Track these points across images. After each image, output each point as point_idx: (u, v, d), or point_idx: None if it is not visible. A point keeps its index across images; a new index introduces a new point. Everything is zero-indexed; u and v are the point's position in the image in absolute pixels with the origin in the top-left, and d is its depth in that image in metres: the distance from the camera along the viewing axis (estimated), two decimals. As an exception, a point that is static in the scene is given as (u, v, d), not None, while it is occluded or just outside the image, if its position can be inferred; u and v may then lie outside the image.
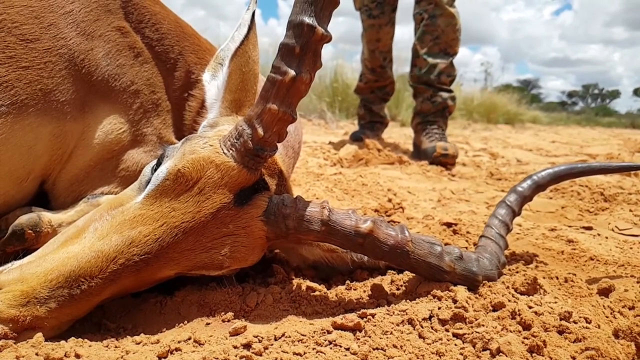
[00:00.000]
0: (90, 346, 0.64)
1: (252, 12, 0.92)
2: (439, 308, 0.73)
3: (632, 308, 0.97)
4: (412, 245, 0.77)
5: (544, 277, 1.05)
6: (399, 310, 0.73)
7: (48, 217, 0.97)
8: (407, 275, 0.88)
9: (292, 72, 0.70)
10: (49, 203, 1.05)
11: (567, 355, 0.63)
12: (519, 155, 4.31)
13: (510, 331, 0.68)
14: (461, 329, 0.70)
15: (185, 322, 0.75)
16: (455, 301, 0.75)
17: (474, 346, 0.65)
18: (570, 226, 1.53)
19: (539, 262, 1.12)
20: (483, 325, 0.69)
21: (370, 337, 0.67)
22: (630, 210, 1.72)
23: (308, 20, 0.69)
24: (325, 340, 0.65)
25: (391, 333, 0.68)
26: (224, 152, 0.74)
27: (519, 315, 0.73)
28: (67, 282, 0.65)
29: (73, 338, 0.64)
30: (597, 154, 4.69)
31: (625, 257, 1.22)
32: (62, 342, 0.63)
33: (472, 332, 0.68)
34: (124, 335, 0.71)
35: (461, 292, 0.77)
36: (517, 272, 1.03)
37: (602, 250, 1.26)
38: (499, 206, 1.03)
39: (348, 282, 0.89)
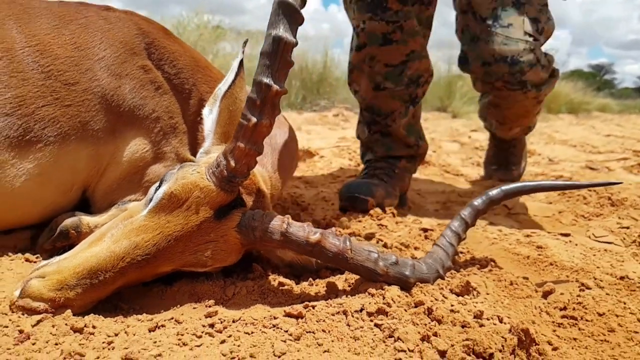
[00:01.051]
0: (103, 320, 0.88)
1: (239, 60, 1.14)
2: (369, 303, 0.93)
3: (563, 309, 1.12)
4: (352, 253, 0.96)
5: (493, 280, 1.22)
6: (337, 303, 0.93)
7: (87, 219, 1.23)
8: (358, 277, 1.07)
9: (254, 119, 0.91)
10: (89, 208, 1.32)
11: (448, 343, 0.81)
12: (557, 153, 4.30)
13: (416, 324, 0.87)
14: (382, 320, 0.89)
15: (179, 306, 0.98)
16: (384, 298, 0.94)
17: (383, 333, 0.85)
18: (550, 232, 1.65)
19: (495, 267, 1.28)
20: (397, 318, 0.88)
21: (306, 322, 0.87)
22: (620, 218, 1.81)
23: (265, 80, 0.90)
24: (270, 324, 0.86)
25: (324, 320, 0.88)
26: (207, 178, 0.96)
27: (434, 311, 0.91)
28: (89, 274, 0.90)
29: (92, 314, 0.89)
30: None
31: (582, 264, 1.35)
32: (84, 317, 0.88)
33: (387, 323, 0.87)
34: (132, 314, 0.95)
35: (392, 291, 0.96)
36: (468, 274, 1.20)
37: (565, 256, 1.40)
38: (454, 218, 1.19)
39: (311, 279, 1.10)
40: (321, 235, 0.96)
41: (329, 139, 4.56)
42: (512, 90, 1.79)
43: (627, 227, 1.70)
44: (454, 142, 4.29)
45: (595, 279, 1.25)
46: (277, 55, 0.90)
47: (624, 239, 1.61)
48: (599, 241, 1.57)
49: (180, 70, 1.40)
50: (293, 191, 2.08)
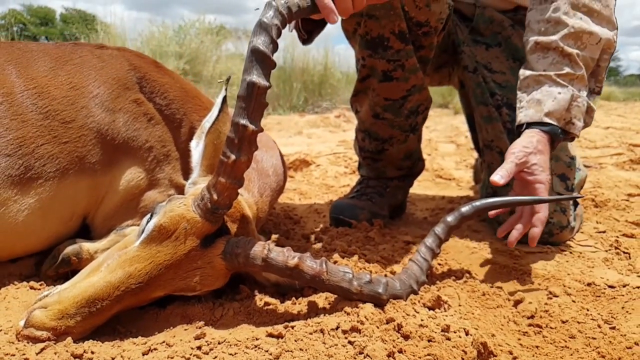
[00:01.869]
0: (101, 346, 0.98)
1: (222, 96, 1.22)
2: (345, 321, 1.01)
3: (530, 317, 1.20)
4: (327, 275, 1.04)
5: (467, 291, 1.30)
6: (315, 322, 1.02)
7: (87, 246, 1.33)
8: (337, 294, 1.16)
9: (233, 157, 1.00)
10: (90, 233, 1.42)
11: (411, 359, 0.90)
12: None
13: (385, 340, 0.95)
14: (355, 337, 0.97)
15: (171, 327, 1.07)
16: (358, 315, 1.03)
17: (354, 350, 0.93)
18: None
19: (470, 277, 1.36)
20: (367, 335, 0.96)
21: (286, 342, 0.96)
22: (598, 222, 1.88)
23: (242, 121, 0.99)
24: (252, 345, 0.95)
25: (302, 340, 0.96)
26: (193, 210, 1.05)
27: (403, 327, 1.00)
28: (87, 303, 0.99)
29: (91, 340, 0.98)
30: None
31: (554, 271, 1.43)
32: (83, 343, 0.97)
33: (359, 340, 0.95)
34: (128, 337, 1.04)
35: (366, 308, 1.04)
36: (443, 286, 1.28)
37: (539, 265, 1.47)
38: (428, 235, 1.27)
39: (294, 298, 1.18)
40: (299, 259, 1.04)
41: (330, 143, 4.65)
42: None
43: (604, 232, 1.77)
44: (450, 143, 4.35)
45: (565, 286, 1.33)
46: (252, 98, 1.00)
47: (601, 243, 1.69)
48: (580, 245, 1.65)
49: (171, 101, 1.49)
50: (286, 204, 2.17)
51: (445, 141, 4.50)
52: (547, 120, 1.37)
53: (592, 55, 1.43)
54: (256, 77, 0.99)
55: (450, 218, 1.27)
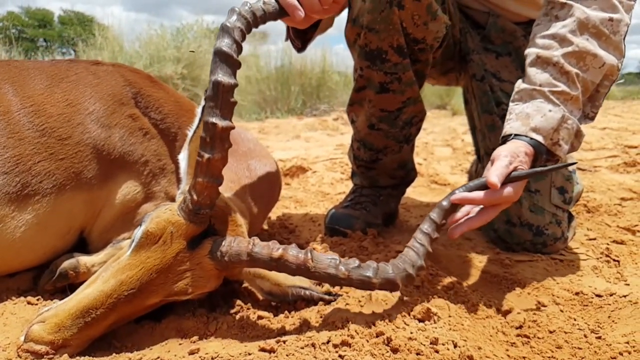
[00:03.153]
0: (97, 360, 1.00)
1: (202, 106, 1.24)
2: (335, 335, 1.04)
3: (519, 328, 1.22)
4: (313, 262, 1.04)
5: (457, 302, 1.32)
6: (307, 337, 1.04)
7: (84, 260, 1.35)
8: (329, 307, 1.18)
9: (207, 155, 1.03)
10: (87, 246, 1.44)
11: (399, 372, 0.92)
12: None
13: (374, 354, 0.98)
14: (345, 351, 1.00)
15: (166, 342, 1.10)
16: (348, 329, 1.05)
17: (344, 364, 0.96)
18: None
19: (460, 288, 1.38)
20: (357, 350, 0.99)
21: (277, 357, 0.98)
22: (588, 229, 1.90)
23: (211, 119, 1.02)
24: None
25: (293, 354, 0.99)
26: (178, 214, 1.08)
27: (392, 341, 1.02)
28: (82, 314, 1.01)
29: (87, 356, 1.01)
30: (637, 145, 4.63)
31: (544, 280, 1.45)
32: (80, 357, 0.99)
33: (349, 354, 0.98)
34: (124, 351, 1.07)
35: (354, 324, 1.06)
36: (434, 297, 1.31)
37: (529, 273, 1.50)
38: (424, 220, 1.22)
39: (287, 311, 1.21)
40: (283, 250, 1.05)
41: (327, 146, 4.68)
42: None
43: (594, 239, 1.79)
44: (447, 147, 4.38)
45: (553, 295, 1.36)
46: (218, 97, 1.03)
47: (592, 250, 1.71)
48: (570, 252, 1.67)
49: (166, 115, 1.51)
50: (282, 213, 2.20)
51: (442, 144, 4.53)
52: (533, 135, 1.31)
53: (593, 79, 1.38)
54: (221, 77, 1.03)
55: (445, 202, 1.23)
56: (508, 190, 1.21)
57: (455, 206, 1.23)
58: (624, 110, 10.29)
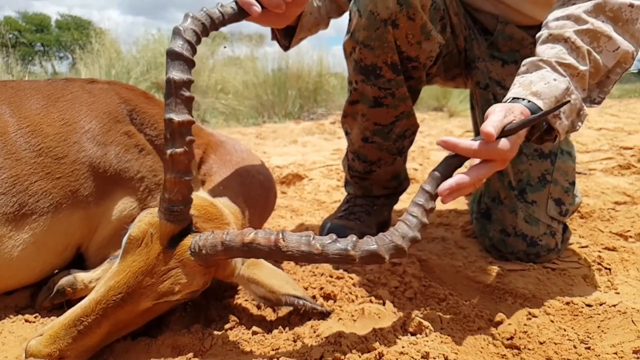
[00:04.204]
0: (94, 378, 1.02)
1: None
2: (328, 351, 1.06)
3: (510, 339, 1.24)
4: (284, 242, 1.02)
5: (449, 314, 1.34)
6: (300, 353, 1.06)
7: (81, 276, 1.37)
8: (322, 323, 1.20)
9: (169, 151, 1.05)
10: (84, 262, 1.46)
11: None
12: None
13: (366, 370, 1.00)
14: (338, 366, 1.02)
15: (162, 359, 1.12)
16: (341, 345, 1.07)
17: (336, 380, 0.98)
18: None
19: (453, 299, 1.40)
20: (350, 365, 1.01)
21: (270, 373, 1.01)
22: (581, 236, 1.93)
23: (168, 115, 1.05)
24: (238, 376, 1.00)
25: (286, 370, 1.01)
26: (157, 215, 1.10)
27: (384, 356, 1.04)
28: (74, 322, 1.03)
29: (84, 374, 1.03)
30: (633, 146, 4.64)
31: (535, 289, 1.47)
32: (77, 376, 1.01)
33: (342, 370, 1.00)
34: (121, 369, 1.09)
35: (347, 340, 1.09)
36: (426, 309, 1.33)
37: (520, 283, 1.52)
38: (417, 193, 1.14)
39: (281, 327, 1.23)
40: (254, 234, 1.04)
41: (324, 152, 4.70)
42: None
43: (587, 247, 1.81)
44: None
45: (544, 305, 1.38)
46: (172, 93, 1.06)
47: (584, 258, 1.73)
48: (562, 261, 1.69)
49: (161, 132, 1.53)
50: (278, 223, 2.22)
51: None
52: (532, 98, 1.20)
53: (606, 63, 1.29)
54: (173, 74, 1.06)
55: (438, 171, 1.15)
56: (504, 142, 1.11)
57: (447, 175, 1.13)
58: (621, 109, 10.28)
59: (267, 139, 5.93)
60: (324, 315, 1.25)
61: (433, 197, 1.12)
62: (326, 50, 9.37)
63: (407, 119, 1.84)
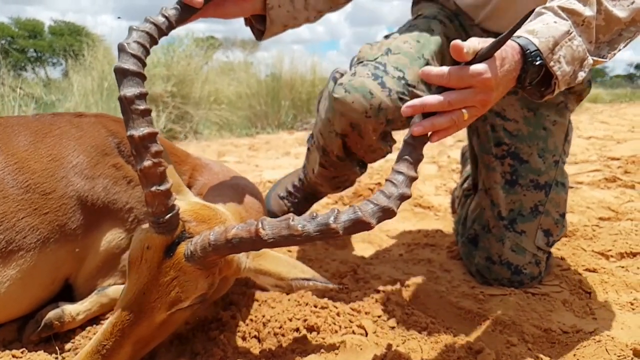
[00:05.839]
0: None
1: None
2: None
3: (488, 369, 1.27)
4: (264, 230, 1.00)
5: (430, 343, 1.37)
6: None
7: (69, 309, 1.39)
8: (307, 358, 1.23)
9: (138, 166, 1.07)
10: (73, 292, 1.48)
11: None
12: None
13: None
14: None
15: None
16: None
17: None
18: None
19: (435, 327, 1.43)
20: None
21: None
22: (562, 258, 1.96)
23: (129, 132, 1.07)
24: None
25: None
26: (150, 231, 1.12)
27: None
28: (97, 349, 1.06)
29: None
30: (620, 156, 4.68)
31: (515, 316, 1.51)
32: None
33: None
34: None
35: (340, 356, 1.12)
36: (408, 339, 1.36)
37: (501, 309, 1.55)
38: (397, 162, 1.07)
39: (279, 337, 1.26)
40: (236, 229, 1.04)
41: (315, 164, 4.72)
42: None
43: (568, 269, 1.85)
44: (432, 164, 4.43)
45: (523, 332, 1.41)
46: (126, 110, 1.08)
47: (565, 282, 1.77)
48: (544, 285, 1.73)
49: (147, 163, 1.55)
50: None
51: (428, 161, 4.58)
52: (526, 35, 1.10)
53: (619, 15, 1.18)
54: (123, 91, 1.08)
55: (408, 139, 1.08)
56: (477, 65, 1.02)
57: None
58: (612, 114, 10.35)
59: (260, 150, 5.96)
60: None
61: (412, 163, 1.06)
62: (320, 54, 9.43)
63: (351, 180, 1.96)
